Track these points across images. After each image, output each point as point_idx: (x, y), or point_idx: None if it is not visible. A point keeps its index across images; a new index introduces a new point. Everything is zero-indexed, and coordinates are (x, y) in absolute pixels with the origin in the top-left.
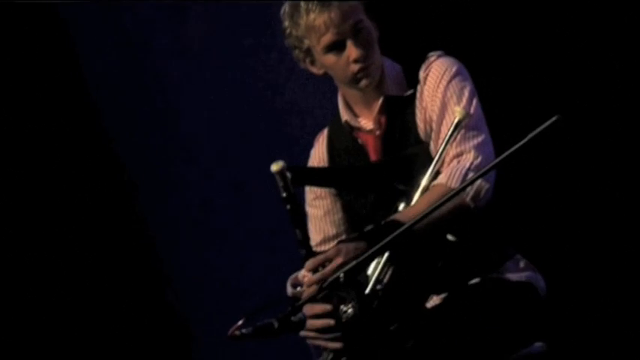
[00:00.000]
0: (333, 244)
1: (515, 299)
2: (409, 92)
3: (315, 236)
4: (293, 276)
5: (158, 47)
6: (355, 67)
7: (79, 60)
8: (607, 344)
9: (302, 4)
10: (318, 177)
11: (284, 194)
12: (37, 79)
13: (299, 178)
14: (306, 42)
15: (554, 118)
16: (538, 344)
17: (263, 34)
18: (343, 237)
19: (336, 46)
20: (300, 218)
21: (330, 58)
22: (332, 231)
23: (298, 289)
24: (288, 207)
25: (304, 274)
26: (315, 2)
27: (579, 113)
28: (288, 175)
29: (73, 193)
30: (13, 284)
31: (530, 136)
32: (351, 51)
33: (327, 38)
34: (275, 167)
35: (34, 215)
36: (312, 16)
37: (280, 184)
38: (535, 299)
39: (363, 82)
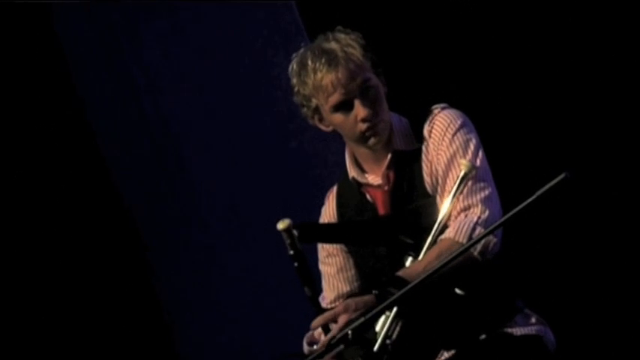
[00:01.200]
0: None
1: (524, 354)
2: (416, 146)
3: (328, 294)
4: (309, 334)
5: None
6: (363, 127)
7: (69, 68)
8: None
9: (309, 62)
10: (324, 233)
11: (291, 252)
12: (29, 85)
13: (306, 235)
14: (314, 101)
15: (562, 175)
16: None
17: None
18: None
19: (344, 106)
20: (308, 275)
21: (339, 117)
22: (345, 288)
23: (315, 347)
24: (296, 264)
25: (320, 332)
26: (323, 61)
27: (585, 170)
28: (295, 232)
29: (67, 199)
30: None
31: (538, 193)
32: (359, 110)
33: (335, 98)
34: (281, 225)
35: (20, 218)
36: (319, 75)
37: (287, 241)
38: (545, 354)
39: (372, 141)
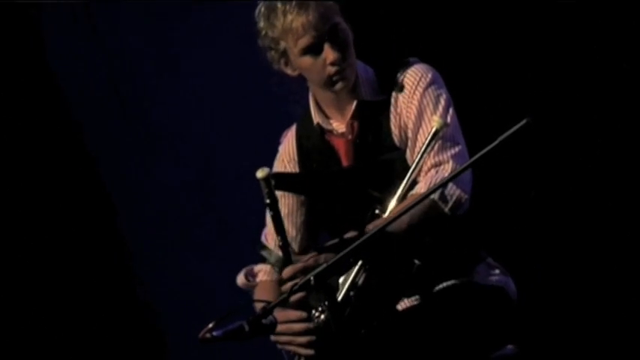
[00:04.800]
0: (291, 244)
1: (486, 302)
2: (382, 97)
3: (273, 233)
4: (249, 267)
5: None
6: (332, 70)
7: (48, 62)
8: (578, 346)
9: (279, 5)
10: (298, 183)
11: (267, 200)
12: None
13: (282, 184)
14: (282, 44)
15: (523, 121)
16: (510, 347)
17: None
18: (299, 240)
19: (313, 49)
20: (281, 225)
21: (307, 61)
22: (292, 232)
23: (250, 280)
24: (271, 213)
25: (260, 269)
26: (293, 4)
27: (550, 115)
28: (272, 182)
29: (48, 192)
30: None
31: (500, 138)
32: (328, 54)
33: (305, 41)
34: (260, 174)
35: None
36: (289, 17)
37: (265, 190)
38: (506, 302)
39: (339, 85)
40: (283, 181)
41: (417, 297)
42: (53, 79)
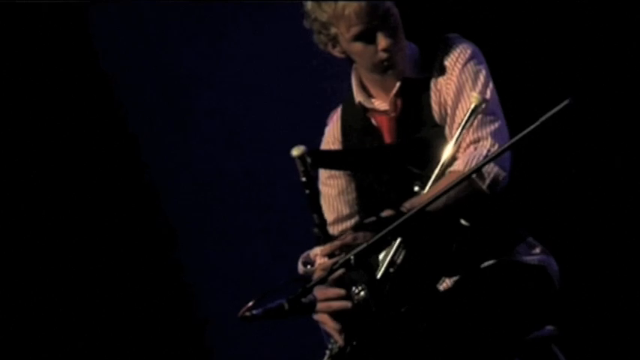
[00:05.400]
0: (346, 224)
1: (527, 282)
2: (425, 74)
3: (328, 215)
4: (305, 254)
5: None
6: (384, 56)
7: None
8: (618, 329)
9: None
10: (335, 160)
11: (304, 179)
12: (57, 79)
13: (319, 161)
14: (333, 29)
15: (565, 102)
16: (549, 328)
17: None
18: (356, 218)
19: (366, 36)
20: (317, 203)
21: (358, 47)
22: (345, 210)
23: (309, 267)
24: (307, 192)
25: (316, 253)
26: None
27: (593, 97)
28: (308, 159)
29: (92, 189)
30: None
31: (541, 119)
32: (381, 40)
33: (357, 28)
34: (296, 152)
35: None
36: (340, 3)
37: (301, 168)
38: (547, 282)
39: (390, 71)
40: (320, 158)
41: (458, 277)
42: (102, 73)
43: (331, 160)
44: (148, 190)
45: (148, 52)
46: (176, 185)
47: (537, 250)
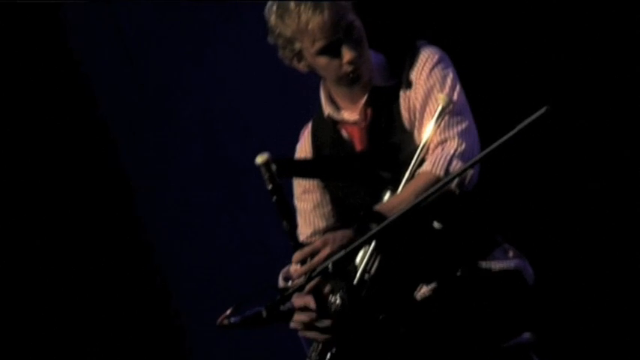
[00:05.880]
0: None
1: (503, 288)
2: (393, 82)
3: (304, 230)
4: (285, 269)
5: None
6: (349, 69)
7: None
8: (596, 333)
9: (292, 5)
10: (303, 168)
11: (270, 186)
12: (37, 81)
13: (284, 169)
14: (297, 44)
15: (543, 110)
16: (527, 335)
17: None
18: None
19: (330, 50)
20: (286, 210)
21: (323, 60)
22: (321, 224)
23: (290, 282)
24: (275, 198)
25: (295, 268)
26: (308, 4)
27: (567, 102)
28: (274, 167)
29: (69, 191)
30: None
31: (518, 127)
32: (346, 53)
33: (322, 43)
34: (260, 159)
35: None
36: (304, 18)
37: (266, 175)
38: (523, 288)
39: (356, 82)
40: (285, 166)
41: (435, 284)
42: (76, 67)
43: (297, 168)
44: (128, 194)
45: (128, 55)
46: (156, 190)
47: (512, 255)
